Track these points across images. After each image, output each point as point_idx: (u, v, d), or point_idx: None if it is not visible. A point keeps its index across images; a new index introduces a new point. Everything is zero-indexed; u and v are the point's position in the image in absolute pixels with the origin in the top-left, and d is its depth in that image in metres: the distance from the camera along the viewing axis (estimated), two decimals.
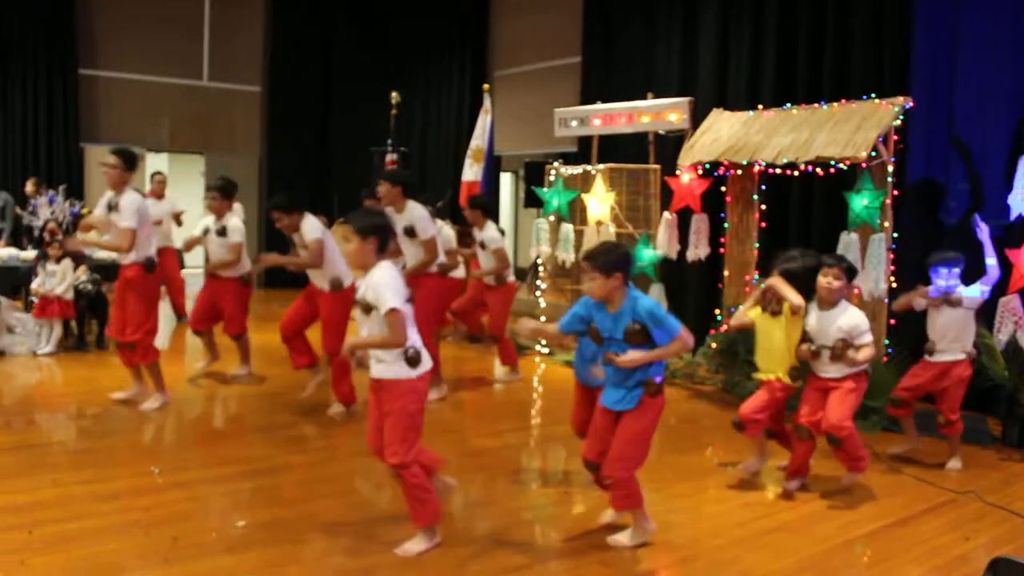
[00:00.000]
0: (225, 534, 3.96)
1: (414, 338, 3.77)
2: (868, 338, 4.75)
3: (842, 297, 4.83)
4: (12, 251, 9.28)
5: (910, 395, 5.48)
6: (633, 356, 3.74)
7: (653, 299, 3.82)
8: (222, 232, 6.85)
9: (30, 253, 9.02)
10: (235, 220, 6.95)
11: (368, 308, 3.72)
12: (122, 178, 5.88)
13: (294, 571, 3.65)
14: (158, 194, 9.60)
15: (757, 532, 4.31)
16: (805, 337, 4.84)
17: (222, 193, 6.90)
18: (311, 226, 6.22)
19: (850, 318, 4.77)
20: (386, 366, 3.77)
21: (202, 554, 3.77)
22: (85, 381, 6.26)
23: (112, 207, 5.86)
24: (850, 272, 4.89)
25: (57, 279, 8.00)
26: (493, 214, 8.32)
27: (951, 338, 5.35)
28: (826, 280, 4.79)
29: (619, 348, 3.77)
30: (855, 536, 4.28)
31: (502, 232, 7.80)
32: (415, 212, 6.20)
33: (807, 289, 4.77)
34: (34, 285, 8.10)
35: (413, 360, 3.75)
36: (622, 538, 4.01)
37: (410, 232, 6.20)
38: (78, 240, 6.33)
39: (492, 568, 3.74)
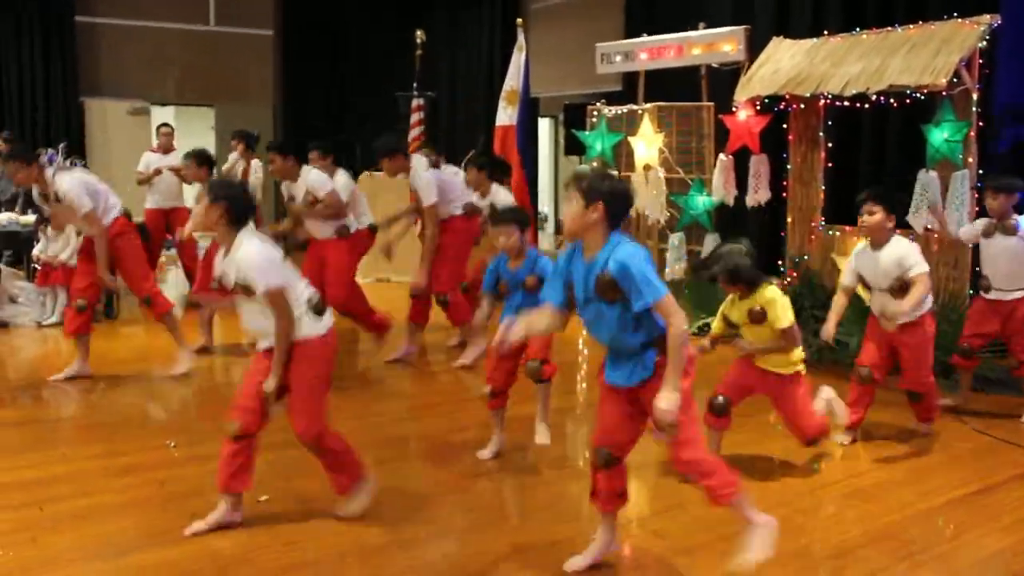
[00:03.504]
0: (246, 509, 4.03)
1: (296, 285, 3.79)
2: (919, 269, 4.66)
3: (887, 232, 4.75)
4: (11, 216, 9.44)
5: (981, 342, 5.48)
6: (667, 403, 3.12)
7: (641, 250, 3.19)
8: None
9: (30, 218, 9.18)
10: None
11: (248, 290, 3.72)
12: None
13: (316, 547, 3.72)
14: (165, 148, 9.67)
15: (825, 499, 4.31)
16: None
17: (197, 160, 7.28)
18: (318, 179, 6.56)
19: (896, 252, 4.71)
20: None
21: (221, 530, 3.85)
22: (94, 352, 6.38)
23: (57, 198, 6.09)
24: (884, 200, 4.76)
25: (60, 245, 8.13)
26: (526, 163, 8.28)
27: (1005, 273, 5.33)
28: (860, 219, 4.77)
29: (602, 313, 3.23)
30: (936, 504, 4.25)
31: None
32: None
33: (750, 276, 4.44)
34: (36, 252, 8.25)
35: (318, 309, 3.82)
36: (748, 555, 3.33)
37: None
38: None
39: (540, 541, 3.78)
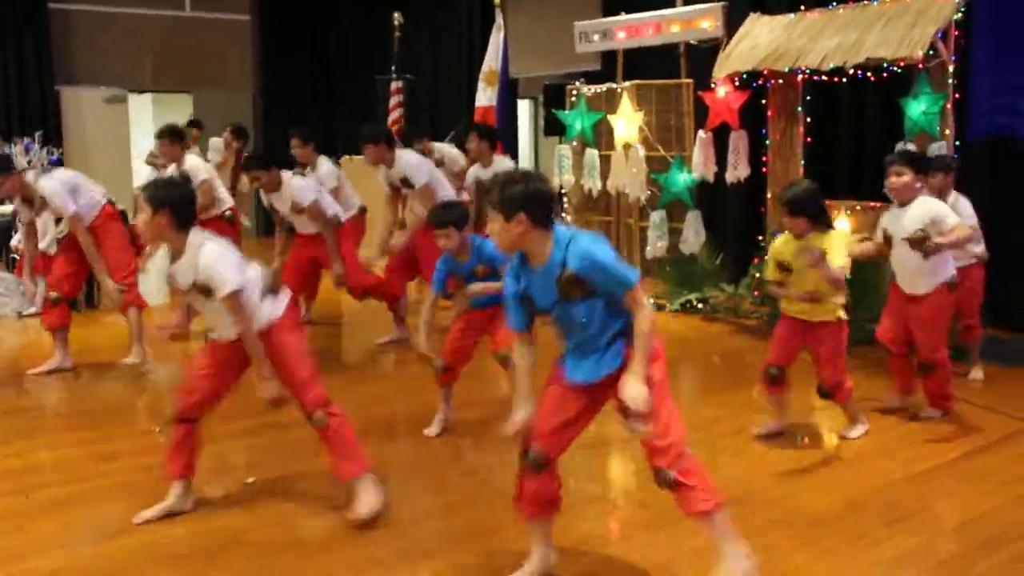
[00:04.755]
0: (234, 491, 4.05)
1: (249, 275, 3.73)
2: (953, 219, 4.65)
3: (916, 192, 4.76)
4: None
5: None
6: (636, 390, 2.91)
7: (598, 237, 3.05)
8: (185, 178, 6.88)
9: (7, 207, 9.10)
10: (192, 160, 7.21)
11: (208, 291, 3.65)
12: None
13: (308, 527, 3.74)
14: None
15: (809, 468, 4.37)
16: None
17: (172, 138, 7.16)
18: (300, 188, 6.52)
19: (927, 209, 4.68)
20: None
21: (210, 512, 3.88)
22: (75, 341, 6.36)
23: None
24: (915, 163, 4.80)
25: (38, 233, 8.06)
26: (506, 145, 8.21)
27: None
28: (888, 180, 4.79)
29: (570, 313, 3.03)
30: (919, 470, 4.31)
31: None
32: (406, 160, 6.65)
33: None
34: (14, 241, 8.19)
35: (274, 288, 3.80)
36: None
37: (406, 183, 6.60)
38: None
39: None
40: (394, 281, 6.94)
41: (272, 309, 3.78)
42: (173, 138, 7.19)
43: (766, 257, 4.72)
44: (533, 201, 2.94)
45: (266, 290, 3.79)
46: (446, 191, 6.71)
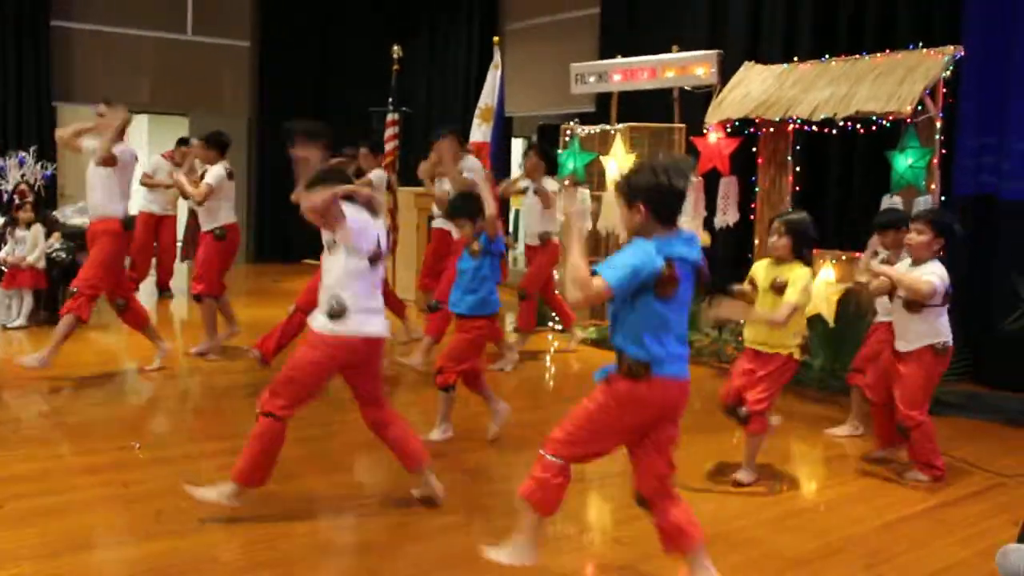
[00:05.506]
0: (212, 509, 4.03)
1: (350, 293, 3.89)
2: (929, 277, 4.62)
3: (932, 254, 4.76)
4: None
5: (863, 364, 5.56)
6: None
7: (649, 245, 3.07)
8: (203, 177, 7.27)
9: None
10: (216, 169, 7.23)
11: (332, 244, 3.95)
12: None
13: (285, 546, 3.73)
14: (179, 162, 9.65)
15: (787, 513, 4.39)
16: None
17: (207, 142, 7.34)
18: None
19: (924, 270, 4.70)
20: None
21: (187, 529, 3.86)
22: (59, 355, 6.34)
23: None
24: (938, 226, 4.74)
25: (28, 246, 8.09)
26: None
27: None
28: (908, 235, 4.82)
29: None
30: (893, 518, 4.34)
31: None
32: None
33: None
34: (1, 254, 8.19)
35: (331, 313, 3.88)
36: None
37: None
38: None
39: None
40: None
41: (321, 322, 3.99)
42: (210, 142, 7.35)
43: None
44: (654, 194, 3.04)
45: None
46: None
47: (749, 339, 4.75)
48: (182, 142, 10.09)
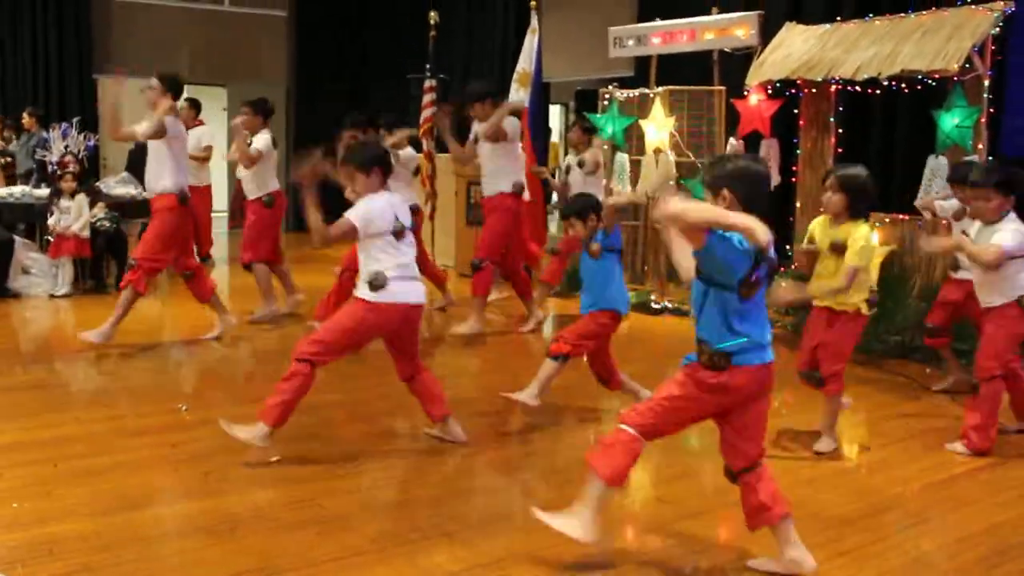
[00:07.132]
0: (258, 469, 4.10)
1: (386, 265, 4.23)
2: (1000, 240, 4.43)
3: (1000, 213, 4.54)
4: (25, 189, 9.51)
5: (943, 315, 5.50)
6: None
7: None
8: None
9: (44, 191, 9.25)
10: (263, 135, 7.33)
11: None
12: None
13: (329, 503, 3.79)
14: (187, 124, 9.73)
15: (831, 472, 4.37)
16: None
17: (254, 109, 7.38)
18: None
19: (1001, 228, 4.51)
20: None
21: (234, 488, 3.93)
22: (101, 321, 6.43)
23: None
24: (1005, 188, 4.51)
25: (72, 215, 8.20)
26: (538, 149, 8.72)
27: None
28: (976, 203, 4.66)
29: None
30: (938, 479, 4.30)
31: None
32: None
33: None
34: (49, 223, 8.32)
35: (372, 285, 4.20)
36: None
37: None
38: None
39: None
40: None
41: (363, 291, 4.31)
42: (255, 108, 7.40)
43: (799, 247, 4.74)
44: (739, 179, 3.06)
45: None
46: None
47: (817, 298, 4.60)
48: (191, 103, 10.18)
